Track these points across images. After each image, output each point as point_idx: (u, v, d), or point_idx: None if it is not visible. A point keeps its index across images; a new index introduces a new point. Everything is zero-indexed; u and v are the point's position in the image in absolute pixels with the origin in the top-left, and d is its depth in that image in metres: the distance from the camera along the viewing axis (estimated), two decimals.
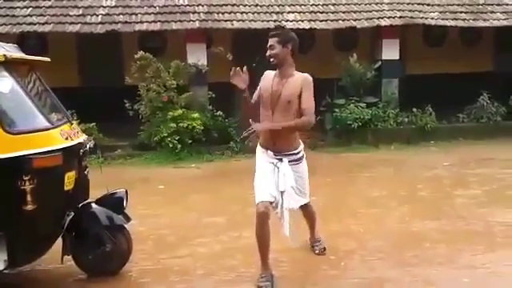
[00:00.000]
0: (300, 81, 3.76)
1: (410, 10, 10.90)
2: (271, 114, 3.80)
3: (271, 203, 3.74)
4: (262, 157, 3.90)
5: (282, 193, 3.77)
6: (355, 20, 10.63)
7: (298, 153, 3.91)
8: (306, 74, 3.82)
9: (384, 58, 10.87)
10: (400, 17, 10.69)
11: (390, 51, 10.84)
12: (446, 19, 10.86)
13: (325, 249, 4.40)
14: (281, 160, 3.81)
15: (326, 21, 10.55)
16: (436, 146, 10.10)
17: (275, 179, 3.77)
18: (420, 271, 4.03)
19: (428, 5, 11.17)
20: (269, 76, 3.90)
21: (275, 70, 3.88)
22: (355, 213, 5.70)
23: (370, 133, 10.25)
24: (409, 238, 4.84)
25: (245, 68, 3.81)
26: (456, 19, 10.89)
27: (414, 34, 11.88)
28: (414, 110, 10.68)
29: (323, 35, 11.36)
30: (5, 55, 3.46)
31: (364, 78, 10.50)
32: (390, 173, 7.98)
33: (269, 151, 3.85)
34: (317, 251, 4.38)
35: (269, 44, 3.78)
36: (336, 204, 6.12)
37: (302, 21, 10.46)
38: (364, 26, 10.58)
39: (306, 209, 4.27)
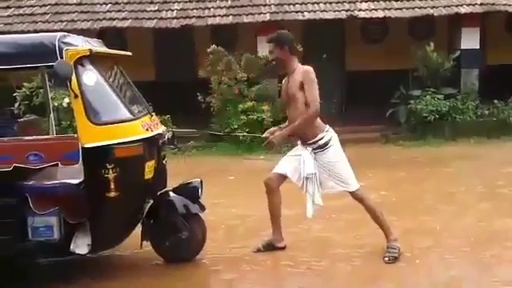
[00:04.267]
0: (300, 74, 4.02)
1: None
2: (288, 111, 4.17)
3: (282, 176, 4.21)
4: (297, 147, 4.26)
5: (306, 179, 4.05)
6: (432, 7, 10.22)
7: (319, 140, 4.04)
8: (305, 67, 4.05)
9: (463, 47, 10.38)
10: (481, 4, 10.14)
11: (470, 40, 10.33)
12: None
13: (396, 258, 4.02)
14: (306, 149, 4.09)
15: (401, 9, 10.22)
16: None
17: (297, 165, 4.10)
18: (500, 271, 3.84)
19: None
20: (285, 80, 4.23)
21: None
22: (431, 209, 5.50)
23: (447, 126, 9.85)
24: (488, 236, 4.61)
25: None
26: None
27: (495, 21, 11.21)
28: (496, 101, 10.14)
29: (398, 24, 11.01)
30: (90, 49, 3.62)
31: (441, 68, 10.07)
32: (468, 168, 7.61)
33: (298, 141, 4.21)
34: (385, 259, 4.03)
35: (268, 49, 4.20)
36: (411, 200, 5.93)
37: (376, 9, 10.20)
38: (442, 13, 10.14)
39: (357, 199, 4.16)
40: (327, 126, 4.12)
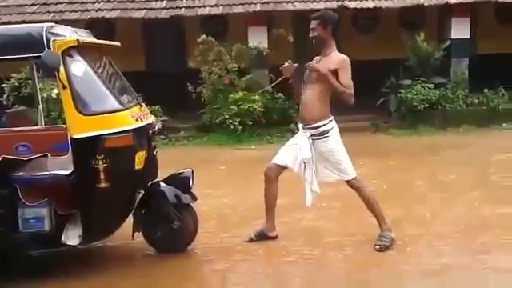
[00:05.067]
0: (336, 60, 3.99)
1: None
2: (304, 88, 4.13)
3: (281, 167, 4.22)
4: (296, 134, 4.31)
5: (304, 165, 4.07)
6: None
7: (320, 127, 4.03)
8: (343, 55, 4.03)
9: (453, 36, 10.40)
10: None
11: (460, 29, 10.35)
12: None
13: (387, 247, 4.05)
14: (305, 133, 4.09)
15: None
16: (508, 128, 9.60)
17: (296, 154, 4.11)
18: (490, 258, 3.88)
19: None
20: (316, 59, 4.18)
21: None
22: (422, 197, 5.54)
23: (437, 115, 9.90)
24: (479, 223, 4.66)
25: (290, 62, 4.22)
26: None
27: (485, 11, 11.24)
28: (486, 90, 10.20)
29: (388, 14, 11.00)
30: (78, 40, 3.58)
31: (432, 57, 10.10)
32: (458, 156, 7.66)
33: (300, 125, 4.19)
34: (376, 247, 4.06)
35: (311, 26, 4.05)
36: (401, 188, 5.97)
37: (367, 0, 10.15)
38: (432, 3, 10.16)
39: (353, 188, 4.17)
40: (331, 117, 4.12)
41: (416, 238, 4.32)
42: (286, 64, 4.21)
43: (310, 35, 4.06)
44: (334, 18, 4.08)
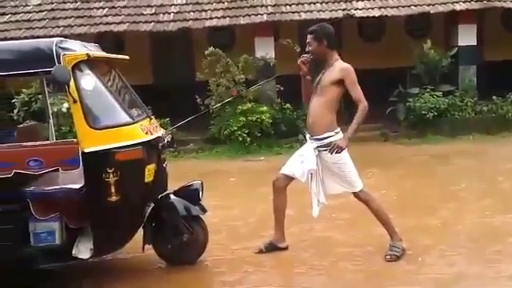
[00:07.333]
0: (339, 70, 4.00)
1: None
2: (311, 103, 4.13)
3: (289, 177, 4.23)
4: (307, 143, 4.26)
5: (311, 176, 4.08)
6: (428, 5, 10.23)
7: (326, 138, 4.01)
8: (345, 64, 4.03)
9: (460, 43, 10.38)
10: (477, 0, 10.13)
11: (467, 37, 10.33)
12: None
13: (398, 257, 4.03)
14: (312, 143, 4.10)
15: (398, 7, 10.24)
16: None
17: (302, 161, 4.13)
18: (503, 267, 3.84)
19: None
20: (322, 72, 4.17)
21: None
22: (432, 206, 5.49)
23: (446, 123, 9.86)
24: (490, 232, 4.61)
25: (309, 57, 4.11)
26: None
27: (492, 17, 11.23)
28: (494, 97, 10.15)
29: (394, 22, 11.03)
30: (88, 54, 3.62)
31: (439, 65, 10.08)
32: (468, 165, 7.61)
33: (307, 135, 4.20)
34: (387, 257, 4.04)
35: (307, 40, 4.10)
36: (411, 197, 5.94)
37: (373, 8, 10.21)
38: (438, 10, 10.15)
39: (360, 200, 4.14)
40: (338, 128, 4.08)
41: (427, 248, 4.29)
42: (305, 56, 4.10)
43: (306, 49, 4.11)
44: (328, 32, 4.08)
